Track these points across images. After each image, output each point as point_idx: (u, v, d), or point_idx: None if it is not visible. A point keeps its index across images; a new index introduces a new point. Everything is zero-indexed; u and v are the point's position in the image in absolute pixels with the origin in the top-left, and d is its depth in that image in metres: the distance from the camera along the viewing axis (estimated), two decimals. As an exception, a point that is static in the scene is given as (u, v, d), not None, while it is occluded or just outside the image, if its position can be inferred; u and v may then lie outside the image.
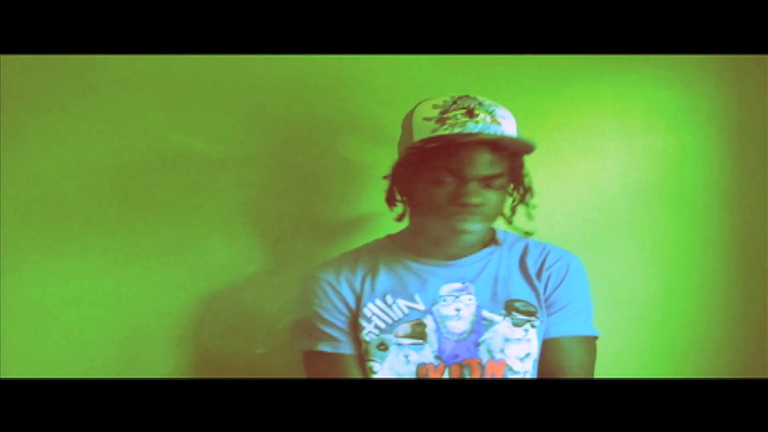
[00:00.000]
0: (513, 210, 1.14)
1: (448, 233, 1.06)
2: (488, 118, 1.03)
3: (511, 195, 1.13)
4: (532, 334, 1.08)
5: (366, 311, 1.09)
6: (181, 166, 1.32)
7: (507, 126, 1.06)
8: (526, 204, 1.14)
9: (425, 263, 1.12)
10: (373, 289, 1.11)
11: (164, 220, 1.32)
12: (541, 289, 1.11)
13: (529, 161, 1.18)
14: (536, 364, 1.09)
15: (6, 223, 1.29)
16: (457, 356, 1.06)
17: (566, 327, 1.11)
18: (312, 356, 1.12)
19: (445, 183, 1.03)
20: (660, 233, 1.39)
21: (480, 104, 1.05)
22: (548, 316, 1.11)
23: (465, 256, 1.12)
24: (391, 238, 1.18)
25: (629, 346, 1.37)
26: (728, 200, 1.39)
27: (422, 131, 1.04)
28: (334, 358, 1.10)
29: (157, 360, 1.33)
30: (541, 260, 1.13)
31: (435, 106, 1.05)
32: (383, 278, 1.12)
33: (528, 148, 1.06)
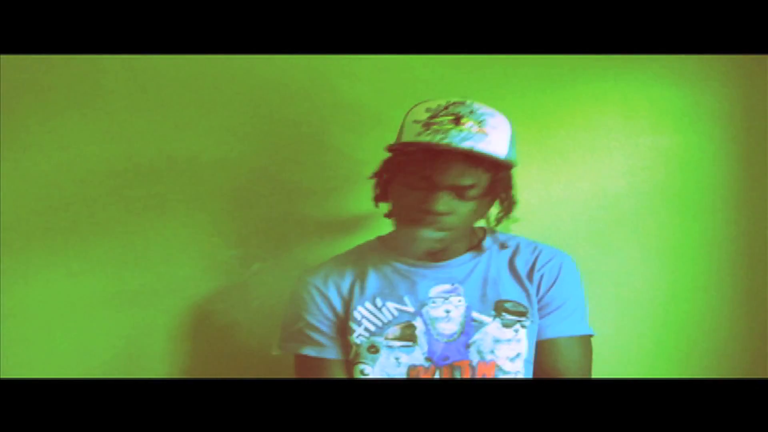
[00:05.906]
0: (497, 221, 1.11)
1: (409, 239, 1.05)
2: (475, 128, 1.00)
3: (501, 205, 1.10)
4: (522, 334, 1.08)
5: (356, 314, 1.10)
6: (180, 168, 1.33)
7: (495, 137, 1.02)
8: (508, 217, 1.10)
9: (413, 265, 1.12)
10: (362, 291, 1.11)
11: (164, 221, 1.33)
12: (533, 290, 1.10)
13: (535, 161, 1.17)
14: (528, 365, 1.09)
15: (6, 224, 1.30)
16: (447, 358, 1.07)
17: (561, 327, 1.10)
18: (299, 359, 1.14)
19: (417, 188, 1.02)
20: (665, 232, 1.38)
21: (471, 112, 1.02)
22: (542, 317, 1.10)
23: (453, 257, 1.12)
24: (381, 240, 1.18)
25: (633, 346, 1.36)
26: (733, 199, 1.37)
27: (410, 133, 1.03)
28: (319, 362, 1.11)
29: (157, 360, 1.35)
30: (532, 260, 1.12)
31: (427, 110, 1.04)
32: (372, 281, 1.12)
33: (504, 165, 1.03)
